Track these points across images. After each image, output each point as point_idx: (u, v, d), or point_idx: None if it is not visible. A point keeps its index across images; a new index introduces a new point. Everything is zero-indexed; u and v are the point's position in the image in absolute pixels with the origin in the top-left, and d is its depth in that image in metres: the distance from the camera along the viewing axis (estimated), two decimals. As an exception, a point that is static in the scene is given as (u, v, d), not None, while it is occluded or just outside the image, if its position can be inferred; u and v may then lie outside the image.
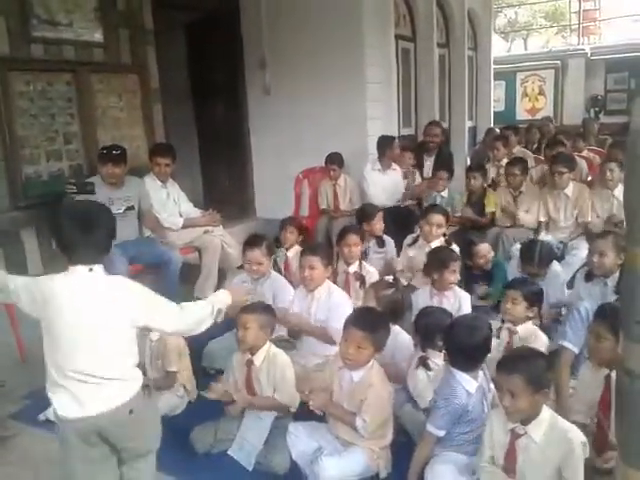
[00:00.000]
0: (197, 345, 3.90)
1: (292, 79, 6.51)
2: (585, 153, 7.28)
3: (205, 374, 3.72)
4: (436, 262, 3.66)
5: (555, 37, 23.67)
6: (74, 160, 5.05)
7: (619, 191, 5.05)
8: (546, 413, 2.23)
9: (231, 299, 2.39)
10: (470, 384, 2.51)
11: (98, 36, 5.19)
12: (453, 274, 3.60)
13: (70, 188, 4.20)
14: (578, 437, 2.17)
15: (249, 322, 2.85)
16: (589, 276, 3.76)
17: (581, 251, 4.74)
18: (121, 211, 4.45)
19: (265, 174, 7.01)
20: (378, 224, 4.71)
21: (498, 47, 14.19)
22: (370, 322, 2.64)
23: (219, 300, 2.36)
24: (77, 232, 2.02)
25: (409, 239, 4.66)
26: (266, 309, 3.01)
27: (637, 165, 1.69)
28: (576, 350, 3.01)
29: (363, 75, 6.22)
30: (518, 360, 2.24)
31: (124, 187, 4.58)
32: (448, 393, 2.50)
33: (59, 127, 4.95)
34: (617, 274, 3.54)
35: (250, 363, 2.95)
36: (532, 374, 2.16)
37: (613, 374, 2.50)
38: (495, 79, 10.41)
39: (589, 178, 6.38)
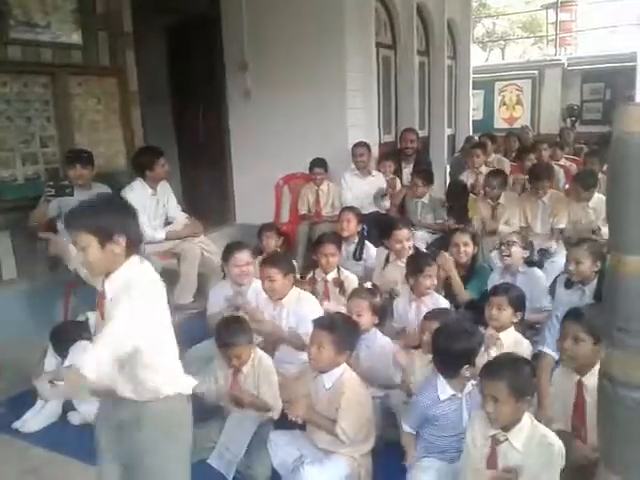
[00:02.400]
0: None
1: (273, 84, 6.47)
2: (562, 162, 7.37)
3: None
4: (411, 267, 3.67)
5: (532, 47, 24.01)
6: (50, 164, 4.96)
7: (595, 200, 5.12)
8: (527, 420, 2.24)
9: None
10: (444, 390, 2.53)
11: (76, 38, 5.12)
12: (429, 279, 3.59)
13: (49, 191, 4.13)
14: (558, 445, 2.18)
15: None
16: (568, 283, 3.80)
17: (560, 258, 4.75)
18: None
19: (245, 179, 6.96)
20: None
21: (477, 56, 14.35)
22: (331, 322, 2.67)
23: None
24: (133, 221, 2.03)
25: (382, 255, 4.59)
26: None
27: (619, 173, 1.70)
28: (556, 356, 3.01)
29: (344, 82, 6.22)
30: (503, 366, 2.24)
31: (92, 190, 4.51)
32: (419, 393, 2.59)
33: (35, 130, 4.86)
34: (595, 281, 3.59)
35: (237, 371, 2.93)
36: (516, 381, 2.17)
37: (585, 380, 2.52)
38: (474, 88, 10.51)
39: (566, 186, 6.45)
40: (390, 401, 2.89)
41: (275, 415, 2.92)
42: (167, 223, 5.05)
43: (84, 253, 1.93)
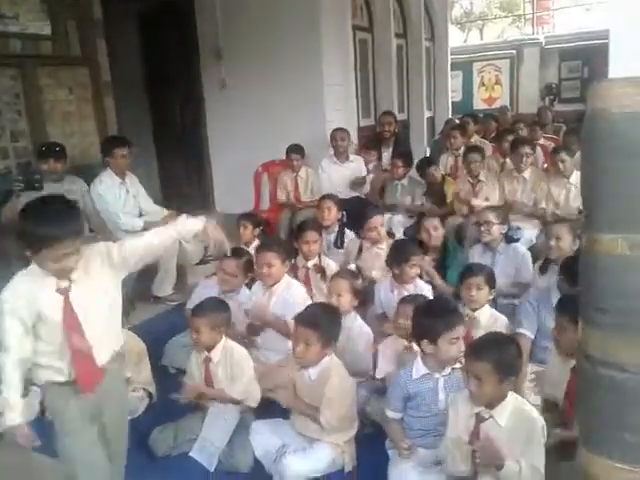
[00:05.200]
0: (157, 344, 3.83)
1: (248, 71, 6.40)
2: (542, 141, 7.35)
3: (165, 373, 3.64)
4: (397, 256, 3.64)
5: (510, 27, 23.97)
6: (22, 158, 4.88)
7: (575, 178, 5.11)
8: (511, 397, 2.22)
9: (202, 226, 2.37)
10: (418, 369, 2.52)
11: (45, 28, 5.01)
12: (414, 268, 3.57)
13: (17, 185, 4.05)
14: (540, 420, 2.18)
15: (200, 326, 2.81)
16: (544, 268, 3.81)
17: (528, 232, 4.83)
18: None
19: (223, 168, 6.89)
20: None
21: (455, 38, 14.31)
22: (315, 318, 2.62)
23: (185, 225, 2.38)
24: None
25: (355, 246, 4.53)
26: (217, 307, 2.95)
27: (593, 151, 1.68)
28: (532, 335, 3.17)
29: (320, 66, 6.16)
30: (488, 346, 2.21)
31: (65, 182, 4.52)
32: (395, 374, 2.62)
33: (6, 124, 4.77)
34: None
35: (208, 360, 2.89)
36: (501, 361, 2.15)
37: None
38: (452, 69, 10.50)
39: (545, 166, 6.45)
40: (359, 393, 2.87)
41: (253, 404, 2.89)
42: (141, 216, 4.97)
43: None
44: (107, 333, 2.20)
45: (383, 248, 4.17)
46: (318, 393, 2.56)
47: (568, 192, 5.14)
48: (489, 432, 2.19)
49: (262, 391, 2.92)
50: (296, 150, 5.87)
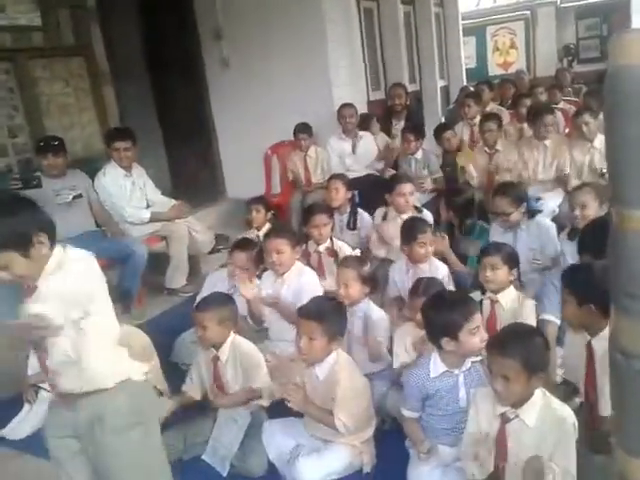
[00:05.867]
0: (166, 340, 3.72)
1: (250, 50, 6.19)
2: (561, 104, 7.05)
3: (176, 370, 3.51)
4: (405, 235, 3.45)
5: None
6: (22, 154, 4.72)
7: (599, 141, 4.84)
8: (539, 394, 2.03)
9: None
10: (436, 367, 2.34)
11: (36, 19, 4.82)
12: (423, 247, 3.37)
13: (15, 184, 3.93)
14: (571, 417, 2.00)
15: (205, 320, 2.64)
16: (572, 234, 3.59)
17: (550, 200, 4.61)
18: (68, 200, 4.27)
19: (232, 152, 6.71)
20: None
21: (467, 3, 13.83)
22: (319, 311, 2.45)
23: None
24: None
25: (380, 214, 4.43)
26: (223, 301, 2.79)
27: (616, 114, 1.47)
28: (558, 321, 2.90)
29: (325, 40, 5.92)
30: (513, 341, 2.00)
31: (67, 177, 4.36)
32: (410, 372, 2.42)
33: (2, 120, 4.61)
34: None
35: (216, 359, 2.74)
36: (529, 357, 1.95)
37: (594, 341, 2.31)
38: (465, 35, 10.14)
39: (566, 130, 6.16)
40: (377, 385, 2.70)
41: (265, 402, 2.74)
42: (148, 207, 4.82)
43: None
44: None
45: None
46: (328, 394, 2.40)
47: (592, 157, 4.89)
48: (517, 435, 2.01)
49: (275, 389, 2.78)
50: (303, 129, 5.68)
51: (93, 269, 1.85)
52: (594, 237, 2.80)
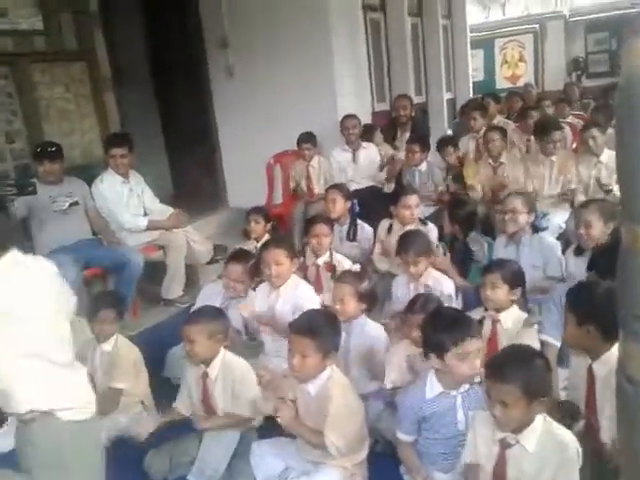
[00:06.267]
0: (158, 352, 3.62)
1: (256, 58, 6.13)
2: (570, 119, 6.95)
3: (168, 385, 3.40)
4: (403, 251, 3.37)
5: (534, 2, 23.17)
6: (20, 160, 4.66)
7: (606, 157, 4.74)
8: (539, 418, 1.93)
9: None
10: (432, 388, 2.23)
11: (37, 23, 4.78)
12: (418, 264, 3.28)
13: (9, 190, 3.83)
14: (574, 443, 1.89)
15: (194, 334, 2.53)
16: (579, 250, 3.48)
17: (555, 217, 4.50)
18: (65, 207, 4.22)
19: (235, 161, 6.64)
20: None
21: (475, 16, 13.76)
22: (312, 326, 2.33)
23: None
24: None
25: (385, 225, 4.34)
26: (213, 315, 2.68)
27: (629, 124, 1.36)
28: (558, 343, 2.80)
29: (330, 50, 5.85)
30: (512, 365, 1.89)
31: (64, 183, 4.30)
32: (405, 393, 2.33)
33: (0, 125, 4.56)
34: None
35: (205, 376, 2.63)
36: (529, 382, 1.85)
37: (595, 365, 2.20)
38: (473, 47, 10.03)
39: (574, 145, 6.06)
40: (367, 411, 2.59)
41: (256, 422, 2.63)
42: (146, 215, 4.75)
43: None
44: None
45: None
46: (320, 413, 2.29)
47: (599, 172, 4.78)
48: (517, 461, 1.90)
49: (265, 405, 2.67)
50: (307, 139, 5.60)
51: (28, 278, 1.78)
52: (605, 258, 2.70)
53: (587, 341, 2.16)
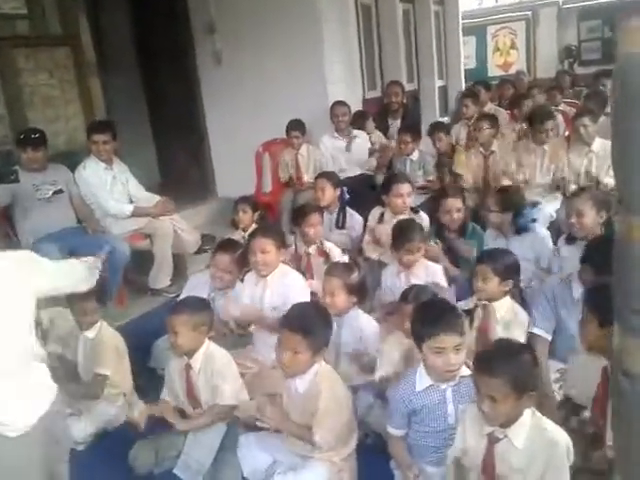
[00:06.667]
0: (145, 343, 3.56)
1: (244, 44, 6.02)
2: (562, 107, 6.90)
3: (153, 376, 3.35)
4: (394, 240, 3.33)
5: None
6: (2, 146, 4.54)
7: (597, 145, 4.71)
8: (528, 413, 1.89)
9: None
10: (421, 380, 2.19)
11: (21, 7, 4.65)
12: (411, 254, 3.24)
13: (-11, 177, 3.77)
14: (564, 440, 1.85)
15: (178, 325, 2.47)
16: (570, 238, 3.44)
17: (547, 205, 4.45)
18: (48, 195, 4.16)
19: (223, 149, 6.54)
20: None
21: (468, 2, 13.65)
22: (304, 322, 2.27)
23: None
24: None
25: (376, 213, 4.29)
26: (197, 306, 2.62)
27: (626, 112, 1.31)
28: (548, 337, 2.78)
29: (320, 35, 5.75)
30: (500, 359, 1.86)
31: (48, 171, 4.23)
32: (395, 386, 2.29)
33: (-18, 111, 4.46)
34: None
35: (188, 368, 2.58)
36: (518, 376, 1.81)
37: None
38: (464, 34, 9.95)
39: (566, 133, 6.01)
40: (357, 404, 2.54)
41: (241, 413, 2.57)
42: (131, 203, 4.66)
43: None
44: None
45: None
46: (308, 408, 2.24)
47: (590, 161, 4.74)
48: (505, 456, 1.86)
49: (248, 405, 2.61)
50: (296, 126, 5.52)
51: None
52: (600, 251, 2.66)
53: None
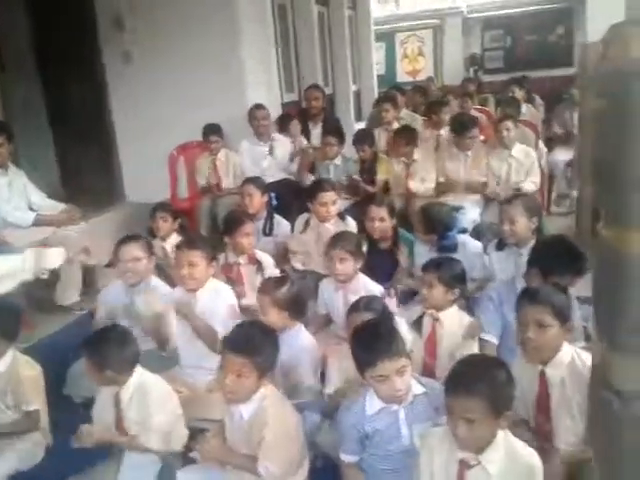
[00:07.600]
0: (57, 366, 3.22)
1: (156, 43, 5.67)
2: (472, 112, 7.06)
3: (69, 405, 3.03)
4: (325, 250, 3.19)
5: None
6: None
7: (517, 151, 4.84)
8: (501, 435, 1.77)
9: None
10: (372, 404, 2.06)
11: None
12: (340, 264, 3.10)
13: None
14: (537, 463, 1.76)
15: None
16: (500, 245, 3.46)
17: (470, 210, 4.48)
18: None
19: (134, 153, 6.14)
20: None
21: (378, 9, 13.84)
22: (249, 343, 2.09)
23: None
24: None
25: (301, 221, 4.17)
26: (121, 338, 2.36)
27: (616, 118, 1.25)
28: (495, 340, 2.76)
29: (236, 34, 5.50)
30: (475, 376, 1.73)
31: None
32: (345, 410, 2.14)
33: None
34: (532, 243, 3.23)
35: (117, 398, 2.31)
36: (495, 394, 1.69)
37: (548, 369, 2.12)
38: (375, 41, 10.05)
39: (481, 137, 6.14)
40: (308, 419, 2.38)
41: (178, 446, 2.34)
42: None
43: None
44: None
45: (330, 229, 3.85)
46: (254, 436, 2.04)
47: (509, 166, 4.86)
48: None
49: (188, 425, 2.39)
50: (213, 130, 5.29)
51: None
52: (547, 254, 2.67)
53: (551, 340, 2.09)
